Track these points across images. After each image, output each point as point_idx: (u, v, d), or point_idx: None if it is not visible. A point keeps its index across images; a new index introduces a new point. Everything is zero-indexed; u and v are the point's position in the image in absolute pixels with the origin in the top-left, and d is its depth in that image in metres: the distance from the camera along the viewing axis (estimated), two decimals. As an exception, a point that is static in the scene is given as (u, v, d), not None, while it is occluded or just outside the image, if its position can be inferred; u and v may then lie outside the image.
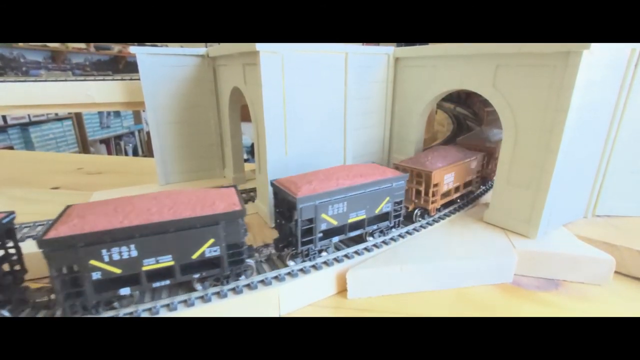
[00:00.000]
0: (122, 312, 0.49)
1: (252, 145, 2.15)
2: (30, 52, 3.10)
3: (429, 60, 0.84)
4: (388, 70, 0.91)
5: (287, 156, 0.78)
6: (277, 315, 0.57)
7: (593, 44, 0.56)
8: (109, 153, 3.86)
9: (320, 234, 0.59)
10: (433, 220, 0.77)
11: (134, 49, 0.88)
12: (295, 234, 0.57)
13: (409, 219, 0.76)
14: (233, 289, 0.54)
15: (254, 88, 0.76)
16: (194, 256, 0.49)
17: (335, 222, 0.60)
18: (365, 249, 0.66)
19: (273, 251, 0.64)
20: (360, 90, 0.87)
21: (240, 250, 0.53)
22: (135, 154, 4.17)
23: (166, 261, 0.48)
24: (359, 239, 0.68)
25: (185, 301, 0.52)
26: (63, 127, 3.29)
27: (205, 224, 0.49)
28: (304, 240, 0.58)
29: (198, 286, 0.53)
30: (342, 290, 0.62)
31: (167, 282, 0.50)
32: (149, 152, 4.00)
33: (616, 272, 0.65)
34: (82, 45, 3.39)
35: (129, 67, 3.81)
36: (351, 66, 0.83)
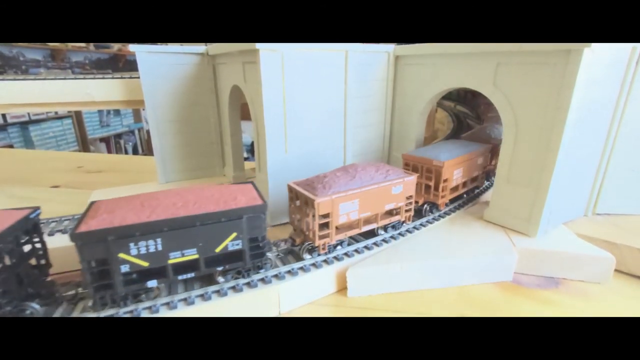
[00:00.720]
0: (122, 312, 0.49)
1: (252, 144, 2.14)
2: (29, 50, 3.10)
3: (429, 58, 0.84)
4: (388, 69, 0.91)
5: (287, 154, 0.78)
6: (277, 314, 0.57)
7: (594, 43, 0.56)
8: (109, 151, 3.87)
9: (134, 276, 0.49)
10: (433, 219, 0.77)
11: (133, 47, 0.88)
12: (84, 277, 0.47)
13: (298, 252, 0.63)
14: (233, 287, 0.54)
15: (253, 86, 0.76)
16: None
17: (145, 264, 0.48)
18: (366, 247, 0.66)
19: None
20: (360, 88, 0.87)
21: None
22: (135, 152, 4.18)
23: None
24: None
25: (185, 299, 0.52)
26: (63, 126, 3.29)
27: None
28: (98, 284, 0.47)
29: None
30: (342, 289, 0.62)
31: None
32: (148, 151, 4.01)
33: (616, 270, 0.65)
34: (82, 43, 3.39)
35: (129, 66, 3.81)
36: (351, 64, 0.82)
